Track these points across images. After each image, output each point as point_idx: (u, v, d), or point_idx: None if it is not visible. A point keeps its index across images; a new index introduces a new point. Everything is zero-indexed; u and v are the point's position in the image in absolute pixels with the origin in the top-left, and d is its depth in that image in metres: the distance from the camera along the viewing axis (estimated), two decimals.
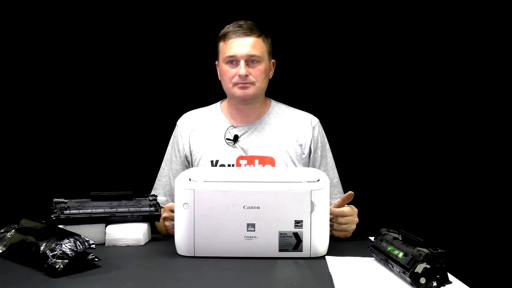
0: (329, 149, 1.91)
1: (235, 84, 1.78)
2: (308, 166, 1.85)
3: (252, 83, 1.78)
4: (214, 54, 1.88)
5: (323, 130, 1.90)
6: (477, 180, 2.27)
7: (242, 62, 1.76)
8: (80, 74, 2.31)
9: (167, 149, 1.93)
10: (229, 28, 1.81)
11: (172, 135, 1.93)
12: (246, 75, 1.76)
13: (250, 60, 1.77)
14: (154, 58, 2.32)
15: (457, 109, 2.29)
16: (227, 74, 1.79)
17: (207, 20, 2.24)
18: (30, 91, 2.29)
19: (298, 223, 1.36)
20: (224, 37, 1.80)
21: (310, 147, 1.85)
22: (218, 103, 1.93)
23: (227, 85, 1.81)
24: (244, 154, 1.82)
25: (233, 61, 1.78)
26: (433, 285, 1.10)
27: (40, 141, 2.29)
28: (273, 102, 1.92)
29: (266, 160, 1.80)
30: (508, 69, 2.25)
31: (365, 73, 2.32)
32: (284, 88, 2.11)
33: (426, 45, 2.28)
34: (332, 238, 1.48)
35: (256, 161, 1.81)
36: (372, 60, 2.31)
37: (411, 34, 2.28)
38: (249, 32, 1.78)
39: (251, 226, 1.36)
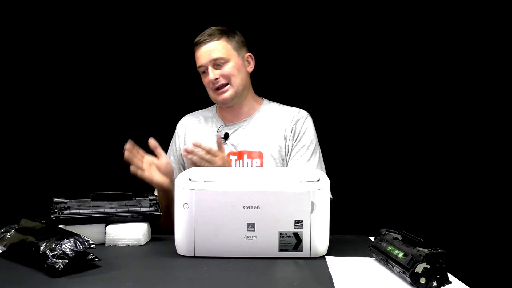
0: (315, 145, 1.85)
1: (212, 90, 1.84)
2: (290, 156, 1.83)
3: (225, 84, 1.82)
4: None
5: (312, 125, 1.88)
6: (477, 180, 2.28)
7: (209, 68, 1.82)
8: (81, 75, 2.31)
9: (168, 149, 1.97)
10: (196, 38, 1.86)
11: (173, 136, 1.98)
12: (216, 79, 1.81)
13: (216, 64, 1.82)
14: (155, 61, 2.33)
15: (457, 109, 2.29)
16: (204, 82, 1.87)
17: (207, 24, 2.24)
18: (31, 92, 2.29)
19: (298, 223, 1.36)
20: (194, 48, 1.86)
21: (290, 137, 1.84)
22: (214, 105, 1.98)
23: (208, 93, 1.88)
24: (234, 150, 1.84)
25: (204, 70, 1.84)
26: (433, 285, 1.10)
27: (40, 141, 2.29)
28: (265, 101, 1.95)
29: (255, 155, 1.83)
30: (508, 69, 2.25)
31: (363, 73, 2.33)
32: (279, 87, 2.12)
33: (417, 41, 2.29)
34: (332, 238, 1.48)
35: (245, 156, 1.83)
36: (365, 58, 2.32)
37: (401, 30, 2.29)
38: (208, 38, 1.83)
39: (251, 226, 1.36)
